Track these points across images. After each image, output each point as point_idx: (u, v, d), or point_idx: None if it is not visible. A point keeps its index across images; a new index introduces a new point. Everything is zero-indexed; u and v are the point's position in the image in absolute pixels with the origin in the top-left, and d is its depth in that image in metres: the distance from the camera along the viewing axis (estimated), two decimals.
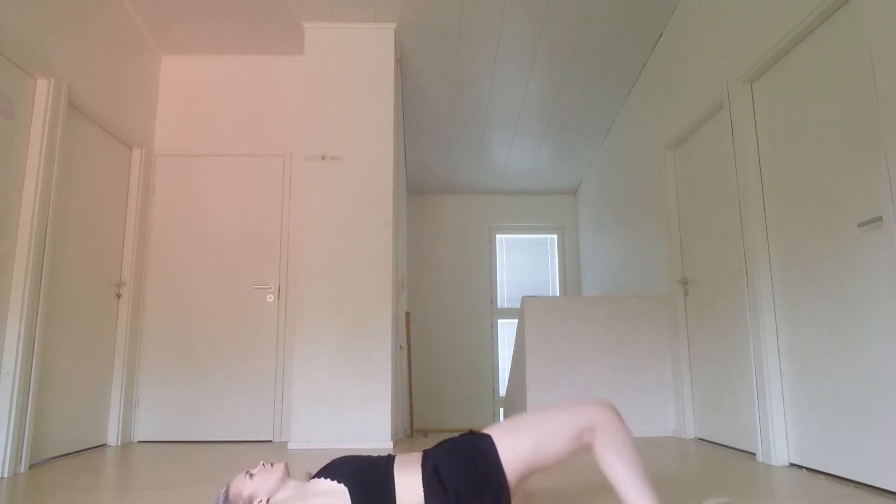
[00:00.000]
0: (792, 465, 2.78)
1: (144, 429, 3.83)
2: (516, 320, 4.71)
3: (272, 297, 3.96)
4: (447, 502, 1.54)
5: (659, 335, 4.00)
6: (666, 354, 3.97)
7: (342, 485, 1.56)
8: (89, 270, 3.48)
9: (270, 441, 3.81)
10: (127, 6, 3.78)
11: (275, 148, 4.15)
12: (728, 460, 2.95)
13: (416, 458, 1.67)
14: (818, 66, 2.60)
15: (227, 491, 1.68)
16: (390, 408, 3.55)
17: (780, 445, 2.81)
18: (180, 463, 3.00)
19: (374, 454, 1.87)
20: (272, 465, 1.71)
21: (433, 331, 6.69)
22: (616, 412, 1.64)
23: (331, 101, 3.86)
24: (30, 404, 2.86)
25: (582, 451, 1.63)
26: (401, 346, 4.35)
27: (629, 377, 3.94)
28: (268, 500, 1.62)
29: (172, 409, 3.85)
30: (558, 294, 6.90)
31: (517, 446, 1.61)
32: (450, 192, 6.93)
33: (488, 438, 1.64)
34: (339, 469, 1.62)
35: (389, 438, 3.51)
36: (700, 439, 3.64)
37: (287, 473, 1.71)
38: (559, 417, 1.63)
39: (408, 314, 5.72)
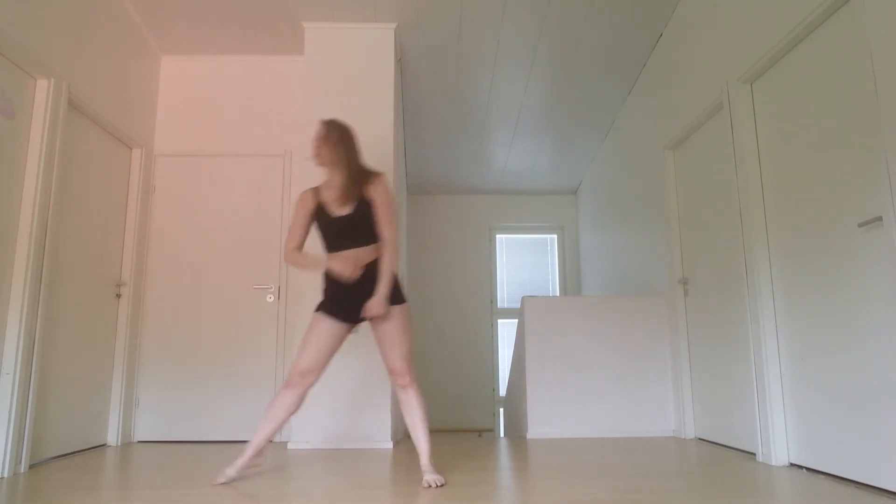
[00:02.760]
0: (792, 465, 2.78)
1: (144, 429, 3.83)
2: (516, 320, 4.72)
3: (272, 297, 3.96)
4: None
5: (659, 335, 4.00)
6: (666, 354, 3.97)
7: None
8: (89, 270, 3.48)
9: (270, 441, 3.81)
10: (127, 6, 3.78)
11: (275, 148, 4.15)
12: (728, 460, 2.95)
13: None
14: (818, 66, 2.60)
15: None
16: (390, 408, 3.55)
17: (780, 445, 2.81)
18: (180, 463, 3.00)
19: None
20: None
21: (433, 331, 6.69)
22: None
23: (331, 101, 3.86)
24: (30, 404, 2.86)
25: None
26: None
27: (629, 377, 3.94)
28: None
29: (172, 409, 3.85)
30: (558, 294, 6.90)
31: None
32: (450, 192, 6.93)
33: None
34: None
35: (389, 438, 3.51)
36: (700, 439, 3.64)
37: None
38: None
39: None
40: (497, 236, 7.04)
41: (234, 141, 4.16)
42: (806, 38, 2.67)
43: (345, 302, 2.44)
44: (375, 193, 2.48)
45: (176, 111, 4.20)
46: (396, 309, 2.46)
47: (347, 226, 2.44)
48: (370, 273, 2.44)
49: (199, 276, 3.98)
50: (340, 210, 2.46)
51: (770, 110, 2.96)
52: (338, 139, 2.49)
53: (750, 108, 3.09)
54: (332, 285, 2.47)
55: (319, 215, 2.50)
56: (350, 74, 3.89)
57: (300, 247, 2.56)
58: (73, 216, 3.33)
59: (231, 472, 2.47)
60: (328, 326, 2.44)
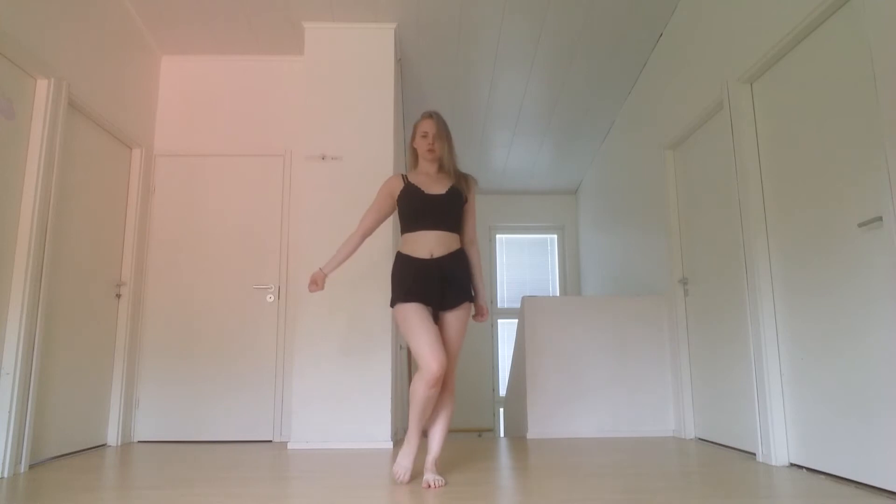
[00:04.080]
0: (792, 465, 2.78)
1: (144, 429, 3.83)
2: (516, 320, 4.71)
3: (272, 297, 3.96)
4: None
5: (659, 335, 4.00)
6: (666, 354, 3.97)
7: None
8: (89, 270, 3.48)
9: (270, 441, 3.81)
10: (127, 6, 3.78)
11: (275, 148, 4.15)
12: (728, 460, 2.95)
13: None
14: (818, 66, 2.60)
15: None
16: (390, 408, 3.55)
17: (780, 445, 2.81)
18: (180, 463, 3.00)
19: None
20: None
21: None
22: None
23: (331, 101, 3.86)
24: (30, 404, 2.86)
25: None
26: (401, 346, 4.35)
27: (629, 377, 3.94)
28: None
29: (172, 409, 3.85)
30: (558, 294, 6.90)
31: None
32: None
33: None
34: None
35: (389, 438, 3.51)
36: (700, 439, 3.64)
37: None
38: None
39: None
40: (497, 236, 7.04)
41: (233, 141, 4.15)
42: (806, 38, 2.67)
43: (430, 287, 2.39)
44: (471, 193, 2.59)
45: (176, 111, 4.20)
46: (467, 305, 2.51)
47: (442, 205, 2.48)
48: (453, 261, 2.46)
49: (200, 276, 3.98)
50: (435, 190, 2.50)
51: (770, 110, 2.96)
52: (447, 133, 2.59)
53: (750, 108, 3.09)
54: (412, 273, 2.42)
55: (410, 194, 2.50)
56: (350, 74, 3.89)
57: (371, 229, 2.61)
58: (73, 216, 3.33)
59: (405, 462, 2.44)
60: (417, 308, 2.37)
